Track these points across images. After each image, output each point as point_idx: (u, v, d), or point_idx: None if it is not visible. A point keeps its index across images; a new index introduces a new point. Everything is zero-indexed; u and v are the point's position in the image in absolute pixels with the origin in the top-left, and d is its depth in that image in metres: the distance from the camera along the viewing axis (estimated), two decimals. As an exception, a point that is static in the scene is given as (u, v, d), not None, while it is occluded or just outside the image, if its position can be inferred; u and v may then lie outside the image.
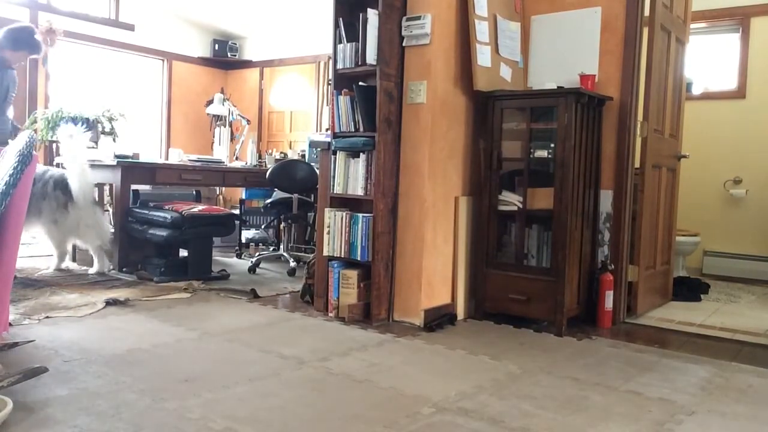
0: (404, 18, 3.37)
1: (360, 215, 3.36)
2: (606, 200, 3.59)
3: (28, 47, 4.14)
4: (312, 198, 5.21)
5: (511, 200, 3.50)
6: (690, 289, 4.37)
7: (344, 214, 3.41)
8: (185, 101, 7.94)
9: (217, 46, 8.10)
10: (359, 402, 2.21)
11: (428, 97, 3.32)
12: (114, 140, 5.28)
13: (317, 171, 4.11)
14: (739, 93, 5.21)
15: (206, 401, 2.14)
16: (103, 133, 5.25)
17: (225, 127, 6.46)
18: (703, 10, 5.11)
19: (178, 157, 5.37)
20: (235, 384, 2.32)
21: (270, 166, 5.34)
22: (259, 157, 6.22)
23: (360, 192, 3.38)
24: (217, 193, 7.07)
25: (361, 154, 3.37)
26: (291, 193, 5.15)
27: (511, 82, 3.71)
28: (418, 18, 3.31)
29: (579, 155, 3.35)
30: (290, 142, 7.82)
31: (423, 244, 3.34)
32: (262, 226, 6.22)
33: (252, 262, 4.98)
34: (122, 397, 2.14)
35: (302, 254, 5.23)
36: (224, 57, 8.12)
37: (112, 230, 4.64)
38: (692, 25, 4.36)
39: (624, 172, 3.54)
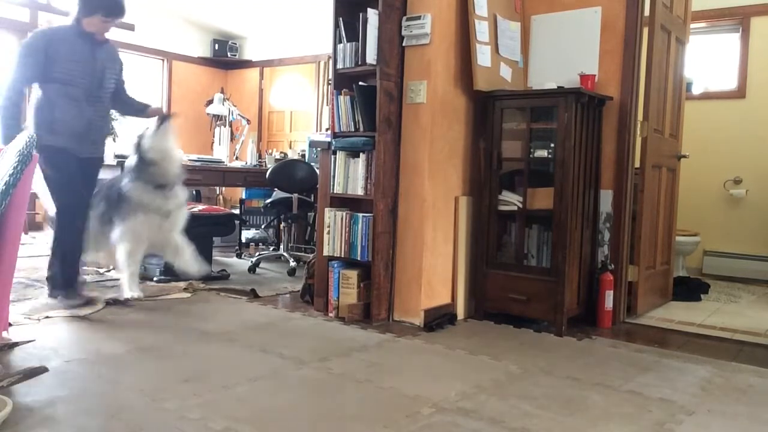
0: (404, 18, 3.37)
1: (360, 215, 3.36)
2: (606, 200, 3.59)
3: (102, 8, 3.33)
4: (312, 198, 5.21)
5: (511, 200, 3.50)
6: (690, 289, 4.37)
7: (344, 214, 3.41)
8: (185, 101, 7.94)
9: (217, 46, 8.10)
10: (359, 402, 2.21)
11: (428, 96, 3.32)
12: (114, 140, 5.28)
13: (317, 171, 4.11)
14: (739, 93, 5.20)
15: (206, 401, 2.14)
16: (103, 133, 5.23)
17: (225, 126, 6.46)
18: (703, 10, 5.11)
19: (178, 157, 5.37)
20: (235, 384, 2.32)
21: (270, 166, 5.34)
22: (259, 156, 6.23)
23: (360, 192, 3.38)
24: (217, 193, 7.07)
25: (361, 154, 3.36)
26: (291, 193, 5.15)
27: (511, 82, 3.71)
28: (418, 18, 3.31)
29: (579, 155, 3.35)
30: (290, 142, 7.82)
31: (423, 244, 3.34)
32: (262, 226, 6.22)
33: (252, 262, 4.98)
34: (122, 397, 2.14)
35: (302, 254, 5.23)
36: (224, 57, 8.12)
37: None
38: (692, 25, 4.35)
39: (624, 172, 3.54)
